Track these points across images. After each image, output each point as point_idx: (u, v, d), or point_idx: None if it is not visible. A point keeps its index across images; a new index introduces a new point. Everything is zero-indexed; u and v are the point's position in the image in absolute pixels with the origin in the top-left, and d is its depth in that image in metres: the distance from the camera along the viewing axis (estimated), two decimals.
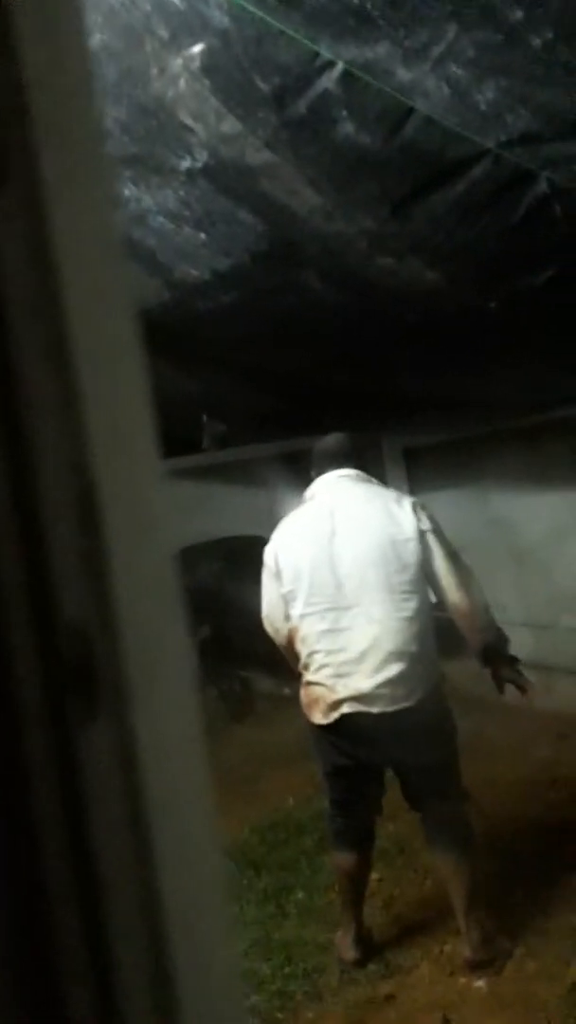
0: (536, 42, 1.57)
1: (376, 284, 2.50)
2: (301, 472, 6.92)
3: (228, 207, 2.30)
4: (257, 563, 6.46)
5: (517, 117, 1.73)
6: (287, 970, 3.11)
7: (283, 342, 3.29)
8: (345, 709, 2.85)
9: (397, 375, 3.82)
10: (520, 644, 5.65)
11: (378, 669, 2.81)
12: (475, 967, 2.95)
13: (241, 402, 4.49)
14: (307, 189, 2.13)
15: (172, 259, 2.58)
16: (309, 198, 2.15)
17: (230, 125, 2.03)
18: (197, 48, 1.89)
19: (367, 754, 2.96)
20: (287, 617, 3.00)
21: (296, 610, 2.94)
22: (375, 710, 2.83)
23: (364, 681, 2.82)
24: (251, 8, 1.73)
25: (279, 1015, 2.90)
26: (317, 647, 2.90)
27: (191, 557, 6.65)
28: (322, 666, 2.88)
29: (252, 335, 3.19)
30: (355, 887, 3.15)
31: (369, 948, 3.14)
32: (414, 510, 2.92)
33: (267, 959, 3.19)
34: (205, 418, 4.58)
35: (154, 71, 1.96)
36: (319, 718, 2.92)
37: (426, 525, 2.91)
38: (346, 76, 1.77)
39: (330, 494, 3.04)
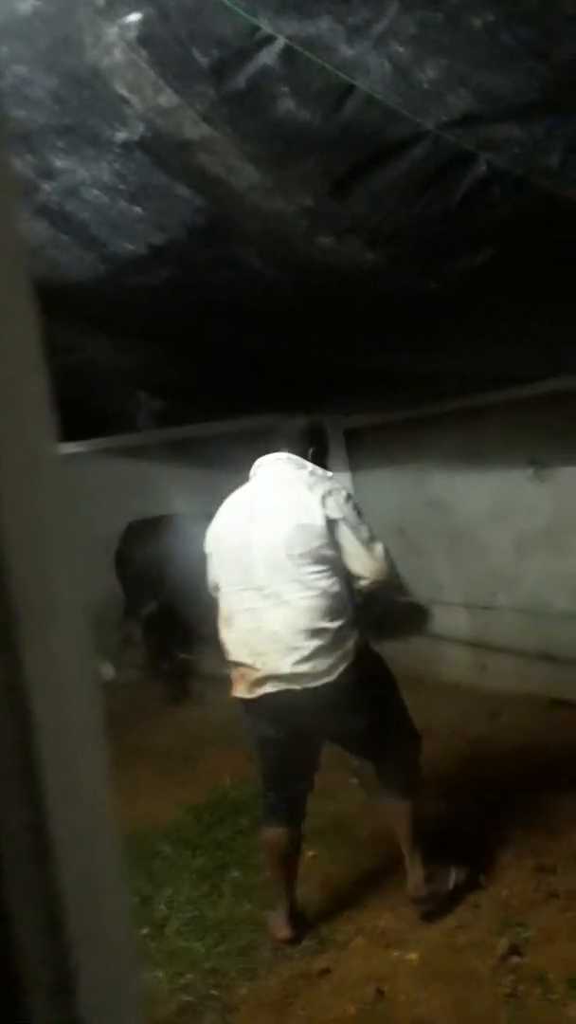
0: (477, 23, 1.55)
1: (316, 262, 2.48)
2: (243, 452, 6.92)
3: (165, 181, 2.25)
4: (202, 541, 6.38)
5: (458, 98, 1.71)
6: (221, 948, 3.13)
7: (222, 319, 3.25)
8: (268, 688, 2.95)
9: (338, 354, 3.81)
10: (456, 623, 5.76)
11: (294, 648, 2.91)
12: (419, 903, 3.14)
13: (181, 380, 4.43)
14: (246, 165, 2.09)
15: (107, 233, 2.51)
16: (248, 174, 2.11)
17: (167, 98, 1.98)
18: (133, 17, 1.83)
19: (294, 730, 3.04)
20: (215, 597, 3.13)
21: (220, 590, 3.10)
22: (297, 687, 2.92)
23: (281, 660, 2.92)
24: None
25: (213, 992, 2.91)
26: (235, 626, 3.03)
27: (140, 533, 6.59)
28: (242, 644, 3.00)
29: (190, 311, 3.14)
30: (285, 864, 3.20)
31: (302, 926, 3.18)
32: (322, 500, 2.98)
33: (201, 938, 3.21)
34: (143, 395, 4.51)
35: (88, 39, 1.89)
36: (244, 693, 3.02)
37: (335, 514, 2.96)
38: (287, 51, 1.73)
39: (260, 477, 3.22)
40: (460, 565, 5.49)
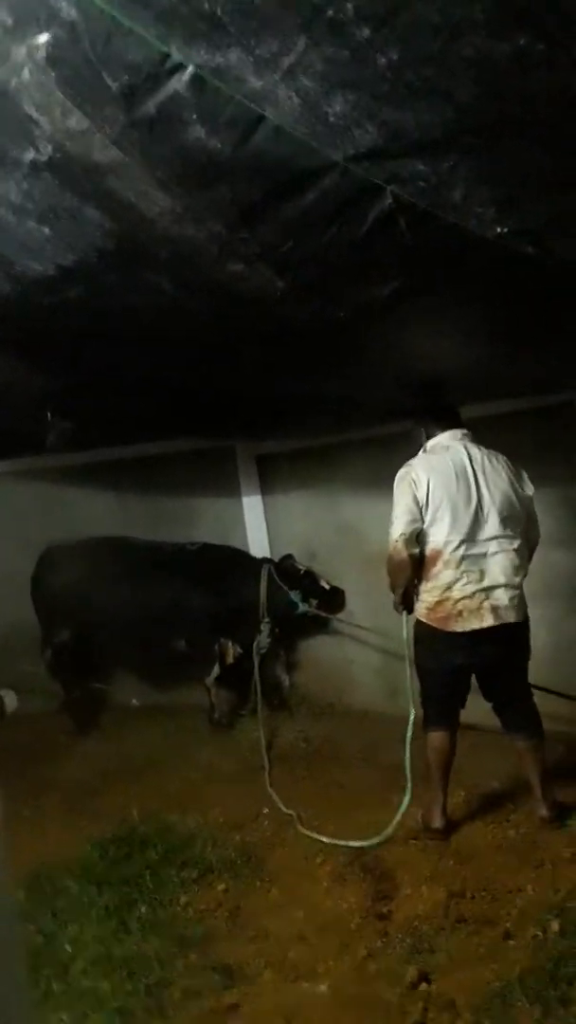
0: (383, 61, 1.59)
1: (227, 289, 2.49)
2: (158, 475, 6.85)
3: (74, 203, 2.22)
4: (119, 565, 6.29)
5: (364, 132, 1.75)
6: (128, 986, 3.03)
7: (133, 343, 3.22)
8: (488, 621, 3.66)
9: (249, 381, 3.82)
10: (367, 649, 5.80)
11: (512, 587, 3.72)
12: (551, 822, 3.79)
13: (91, 402, 4.37)
14: (156, 191, 2.08)
15: (14, 252, 2.47)
16: (158, 199, 2.11)
17: (76, 120, 1.96)
18: (43, 38, 1.81)
19: (484, 659, 3.77)
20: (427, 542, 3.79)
21: (440, 541, 3.73)
22: (511, 620, 3.70)
23: (504, 595, 3.70)
24: (99, 3, 1.67)
25: None
26: (460, 568, 3.70)
27: (56, 558, 6.43)
28: (466, 584, 3.69)
29: (101, 334, 3.10)
30: (446, 762, 3.88)
31: (449, 821, 3.89)
32: (517, 476, 3.89)
33: (108, 976, 3.11)
34: (50, 416, 4.43)
35: None
36: (456, 627, 3.69)
37: (529, 491, 3.90)
38: (196, 80, 1.74)
39: (453, 451, 3.87)
40: (371, 590, 5.52)
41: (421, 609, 3.80)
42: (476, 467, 3.80)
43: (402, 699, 3.98)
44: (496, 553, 3.72)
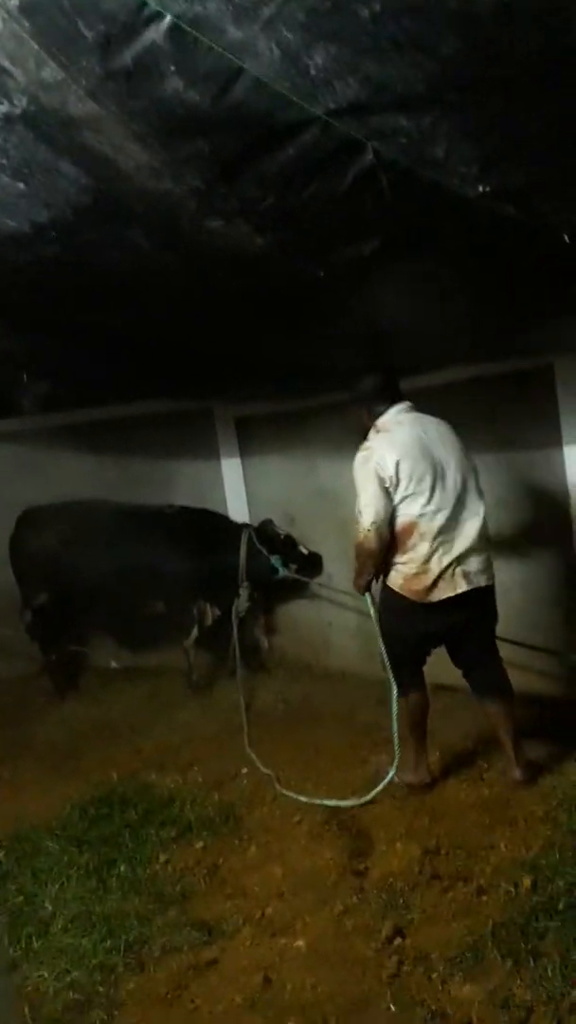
0: (365, 13, 1.55)
1: (206, 246, 2.44)
2: (136, 436, 6.79)
3: (49, 157, 2.17)
4: (97, 528, 6.27)
5: (346, 86, 1.71)
6: (108, 943, 3.07)
7: (110, 302, 3.17)
8: (460, 588, 3.68)
9: (228, 342, 3.78)
10: (344, 612, 5.83)
11: (482, 551, 3.76)
12: (525, 783, 3.83)
13: (68, 363, 4.31)
14: (133, 144, 2.03)
15: None
16: (135, 154, 2.06)
17: (51, 72, 1.90)
18: None
19: (455, 623, 3.78)
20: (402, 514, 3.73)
21: (414, 512, 3.68)
22: (481, 584, 3.73)
23: (475, 560, 3.72)
24: None
25: (100, 988, 2.86)
26: (435, 539, 3.68)
27: (34, 521, 6.39)
28: (441, 553, 3.68)
29: (77, 293, 3.05)
30: (424, 720, 3.98)
31: (431, 774, 4.00)
32: (465, 448, 3.90)
33: (88, 934, 3.14)
34: (26, 378, 4.37)
35: None
36: (432, 597, 3.69)
37: (474, 462, 3.91)
38: (175, 30, 1.69)
39: (409, 423, 3.81)
40: (348, 554, 5.55)
41: (397, 579, 3.76)
42: (432, 438, 3.77)
43: (378, 660, 4.00)
44: (466, 520, 3.73)
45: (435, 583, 3.68)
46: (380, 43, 1.61)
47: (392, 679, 3.89)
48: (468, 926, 2.92)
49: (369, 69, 1.67)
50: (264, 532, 6.06)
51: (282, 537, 6.06)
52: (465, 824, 3.60)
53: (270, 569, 5.85)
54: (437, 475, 3.70)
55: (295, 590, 6.21)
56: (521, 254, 2.47)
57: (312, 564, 6.02)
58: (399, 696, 3.91)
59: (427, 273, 2.64)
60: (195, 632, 6.02)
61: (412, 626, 3.80)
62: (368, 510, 3.67)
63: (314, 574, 6.03)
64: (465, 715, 4.52)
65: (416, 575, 3.70)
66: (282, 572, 5.83)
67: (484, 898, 3.08)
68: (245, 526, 6.20)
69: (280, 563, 5.83)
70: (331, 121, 1.80)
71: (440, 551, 3.67)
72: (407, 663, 3.92)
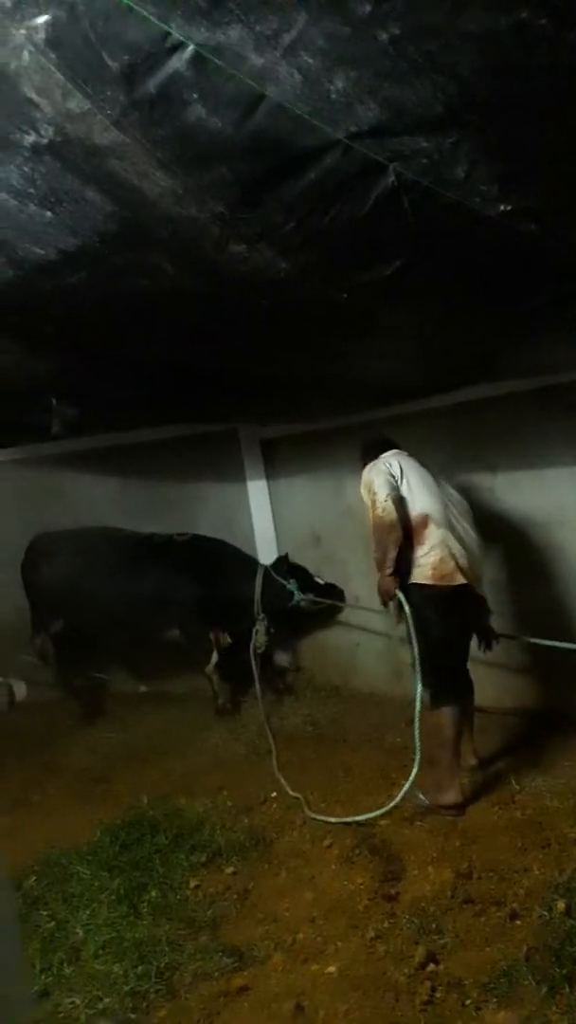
0: (384, 36, 1.57)
1: (230, 270, 2.47)
2: (158, 462, 6.84)
3: (76, 186, 2.21)
4: (114, 555, 6.33)
5: (367, 109, 1.73)
6: (140, 969, 3.05)
7: (136, 327, 3.21)
8: (465, 580, 3.94)
9: (253, 364, 3.80)
10: (372, 633, 5.80)
11: (481, 560, 4.15)
12: (480, 766, 4.20)
13: (95, 388, 4.36)
14: (157, 171, 2.07)
15: (16, 237, 2.45)
16: (159, 180, 2.09)
17: (77, 102, 1.94)
18: (41, 19, 1.79)
19: (464, 618, 4.05)
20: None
21: (427, 520, 3.98)
22: (476, 589, 4.06)
23: (477, 566, 4.07)
24: None
25: (132, 1015, 2.84)
26: (447, 542, 3.95)
27: (46, 546, 6.44)
28: (454, 553, 3.94)
29: (104, 318, 3.08)
30: (459, 736, 4.00)
31: (463, 795, 3.95)
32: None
33: (119, 960, 3.12)
34: (55, 403, 4.42)
35: None
36: (458, 579, 3.94)
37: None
38: (197, 58, 1.72)
39: (406, 461, 4.23)
40: (375, 574, 5.54)
41: (425, 571, 3.94)
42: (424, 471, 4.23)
43: (407, 681, 3.98)
44: (466, 529, 4.12)
45: (457, 566, 3.93)
46: (399, 66, 1.63)
47: (426, 688, 3.95)
48: (502, 951, 2.87)
49: (389, 92, 1.69)
50: (279, 568, 6.11)
51: (296, 569, 6.15)
52: (497, 847, 3.56)
53: (287, 595, 5.89)
54: (436, 483, 4.16)
55: (318, 620, 6.23)
56: (544, 272, 2.47)
57: (330, 594, 6.06)
58: (434, 709, 3.94)
59: (449, 293, 2.64)
60: (215, 657, 6.03)
61: (447, 618, 3.96)
62: (383, 489, 4.00)
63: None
64: (495, 736, 4.47)
65: (441, 559, 3.93)
66: (298, 596, 5.86)
67: (518, 922, 3.03)
68: (259, 564, 6.28)
69: (296, 588, 5.90)
70: (352, 144, 1.82)
71: (452, 535, 3.98)
72: (448, 663, 3.98)
